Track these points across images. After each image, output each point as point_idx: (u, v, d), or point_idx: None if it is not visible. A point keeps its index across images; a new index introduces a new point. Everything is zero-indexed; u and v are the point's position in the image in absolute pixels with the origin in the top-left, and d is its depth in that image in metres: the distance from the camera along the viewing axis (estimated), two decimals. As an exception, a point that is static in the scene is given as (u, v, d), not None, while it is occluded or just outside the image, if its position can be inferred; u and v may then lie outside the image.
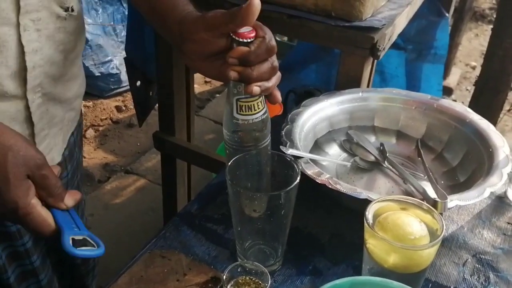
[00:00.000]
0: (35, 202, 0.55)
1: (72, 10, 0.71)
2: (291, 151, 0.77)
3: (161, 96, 1.34)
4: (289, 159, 0.69)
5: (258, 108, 0.68)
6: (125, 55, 1.51)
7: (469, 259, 0.75)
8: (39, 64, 0.68)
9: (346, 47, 1.05)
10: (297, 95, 1.70)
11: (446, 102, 0.96)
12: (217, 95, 2.75)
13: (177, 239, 0.75)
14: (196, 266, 0.70)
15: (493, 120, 1.66)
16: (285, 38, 2.68)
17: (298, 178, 0.64)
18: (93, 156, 2.18)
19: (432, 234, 0.59)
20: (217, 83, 2.81)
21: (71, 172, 0.85)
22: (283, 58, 2.21)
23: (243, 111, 0.67)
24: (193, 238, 0.76)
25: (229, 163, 0.66)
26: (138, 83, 1.52)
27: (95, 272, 1.00)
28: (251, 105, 0.67)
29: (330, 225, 0.79)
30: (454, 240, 0.78)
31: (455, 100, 2.95)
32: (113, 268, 1.60)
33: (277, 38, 2.72)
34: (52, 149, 0.76)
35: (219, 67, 0.64)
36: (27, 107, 0.69)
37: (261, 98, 0.67)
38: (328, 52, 1.70)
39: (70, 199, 0.60)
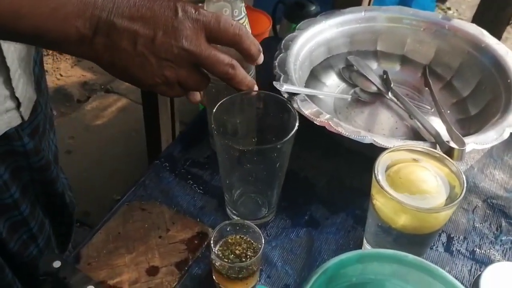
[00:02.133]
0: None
1: None
2: (285, 88, 0.67)
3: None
4: (284, 101, 0.59)
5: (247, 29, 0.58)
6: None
7: (479, 205, 0.68)
8: None
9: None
10: (287, 7, 1.55)
11: (458, 22, 0.85)
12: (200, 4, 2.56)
13: (159, 188, 0.67)
14: (180, 219, 0.63)
15: (498, 36, 1.55)
16: None
17: (296, 126, 0.55)
18: (70, 74, 2.04)
19: (450, 190, 0.52)
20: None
21: (44, 105, 0.75)
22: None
23: None
24: (176, 186, 0.68)
25: (215, 110, 0.56)
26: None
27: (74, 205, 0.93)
28: None
29: (328, 167, 0.72)
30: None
31: (449, 8, 2.79)
32: (96, 192, 1.56)
33: None
34: (26, 87, 0.66)
35: None
36: (1, 51, 0.58)
37: (245, 19, 0.58)
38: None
39: None
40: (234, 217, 0.63)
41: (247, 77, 0.54)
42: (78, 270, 0.54)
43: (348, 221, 0.65)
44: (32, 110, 0.69)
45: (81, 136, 1.80)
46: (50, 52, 2.10)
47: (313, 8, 1.47)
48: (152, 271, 0.57)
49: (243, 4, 0.59)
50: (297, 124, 0.55)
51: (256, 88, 0.56)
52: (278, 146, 0.54)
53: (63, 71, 2.04)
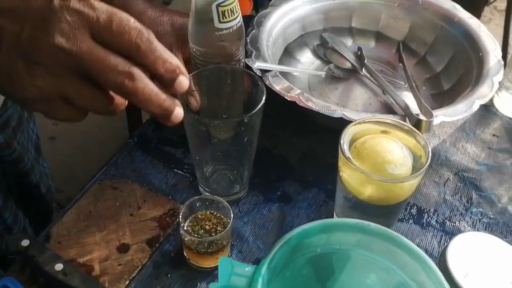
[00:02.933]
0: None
1: None
2: (258, 65, 0.67)
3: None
4: (252, 75, 0.59)
5: (238, 9, 0.58)
6: None
7: (451, 178, 0.69)
8: None
9: None
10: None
11: (433, -3, 0.85)
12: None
13: (131, 167, 0.67)
14: (152, 197, 0.63)
15: (477, 14, 1.56)
16: None
17: (263, 99, 0.55)
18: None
19: (415, 160, 0.52)
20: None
21: None
22: None
23: (226, 18, 0.56)
24: (149, 164, 0.68)
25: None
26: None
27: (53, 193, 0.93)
28: (233, 7, 0.56)
29: (301, 143, 0.72)
30: (435, 157, 0.71)
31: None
32: (80, 178, 1.55)
33: None
34: None
35: None
36: None
37: None
38: None
39: None
40: (207, 194, 0.63)
41: (158, 95, 0.38)
42: (47, 249, 0.54)
43: (320, 196, 0.65)
44: (2, 104, 0.68)
45: (65, 123, 1.78)
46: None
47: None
48: (123, 248, 0.57)
49: None
50: (264, 97, 0.55)
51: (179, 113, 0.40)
52: (245, 120, 0.54)
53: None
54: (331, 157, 0.69)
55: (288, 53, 0.83)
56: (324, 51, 0.85)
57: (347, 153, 0.52)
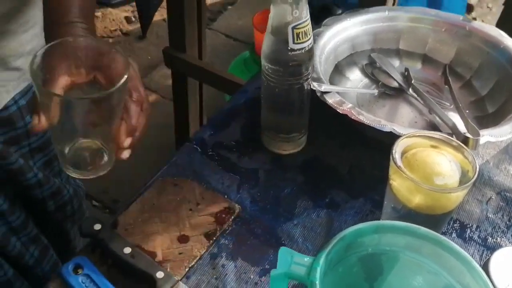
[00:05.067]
0: None
1: None
2: (324, 88, 0.72)
3: (170, 7, 1.25)
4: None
5: (311, 32, 0.63)
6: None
7: (493, 197, 0.72)
8: None
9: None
10: (313, 10, 1.60)
11: (479, 24, 0.89)
12: (229, 6, 2.62)
13: (190, 167, 0.72)
14: (209, 195, 0.67)
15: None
16: None
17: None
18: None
19: (463, 175, 0.56)
20: (229, -7, 2.66)
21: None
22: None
23: (300, 39, 0.61)
24: (206, 166, 0.73)
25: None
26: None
27: (75, 217, 0.95)
28: (307, 29, 0.61)
29: (350, 155, 0.76)
30: (479, 176, 0.74)
31: (474, 19, 2.80)
32: (126, 180, 1.62)
33: None
34: None
35: None
36: None
37: (308, 21, 0.62)
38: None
39: None
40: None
41: None
42: (116, 233, 0.59)
43: (367, 205, 0.69)
44: None
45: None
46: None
47: (339, 12, 1.52)
48: (183, 239, 0.62)
49: (307, 6, 0.61)
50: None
51: None
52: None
53: (95, 66, 2.13)
54: (378, 170, 0.73)
55: (338, 70, 0.87)
56: (372, 70, 0.89)
57: (399, 162, 0.55)
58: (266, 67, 0.66)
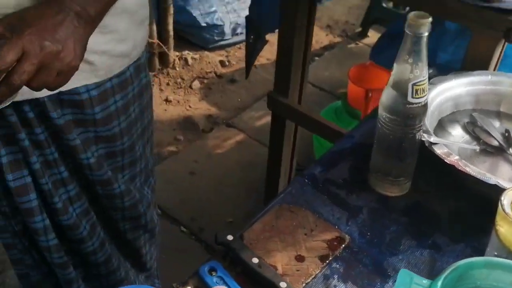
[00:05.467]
0: None
1: None
2: (433, 139, 0.79)
3: (280, 57, 1.39)
4: None
5: (427, 89, 0.72)
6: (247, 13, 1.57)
7: None
8: None
9: (480, 27, 1.03)
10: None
11: None
12: (317, 58, 2.76)
13: (303, 197, 0.81)
14: (321, 224, 0.76)
15: None
16: (391, 4, 2.61)
17: None
18: (198, 106, 2.30)
19: None
20: (317, 46, 2.81)
21: None
22: (391, 25, 2.17)
23: (418, 94, 0.71)
24: (317, 198, 0.81)
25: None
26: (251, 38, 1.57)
27: (152, 240, 1.09)
28: (424, 87, 0.70)
29: (451, 204, 0.82)
30: None
31: None
32: (213, 213, 1.75)
33: (384, 5, 2.65)
34: None
35: None
36: None
37: (427, 79, 0.71)
38: (438, 25, 1.65)
39: None
40: None
41: None
42: (245, 245, 0.68)
43: (467, 250, 0.74)
44: None
45: (204, 161, 2.01)
46: (183, 85, 2.38)
47: (430, 71, 1.58)
48: (300, 258, 0.70)
49: (426, 66, 0.71)
50: None
51: None
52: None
53: (192, 103, 2.31)
54: (479, 220, 0.78)
55: (441, 126, 0.94)
56: (473, 129, 0.95)
57: (508, 209, 0.61)
58: (384, 116, 0.74)
